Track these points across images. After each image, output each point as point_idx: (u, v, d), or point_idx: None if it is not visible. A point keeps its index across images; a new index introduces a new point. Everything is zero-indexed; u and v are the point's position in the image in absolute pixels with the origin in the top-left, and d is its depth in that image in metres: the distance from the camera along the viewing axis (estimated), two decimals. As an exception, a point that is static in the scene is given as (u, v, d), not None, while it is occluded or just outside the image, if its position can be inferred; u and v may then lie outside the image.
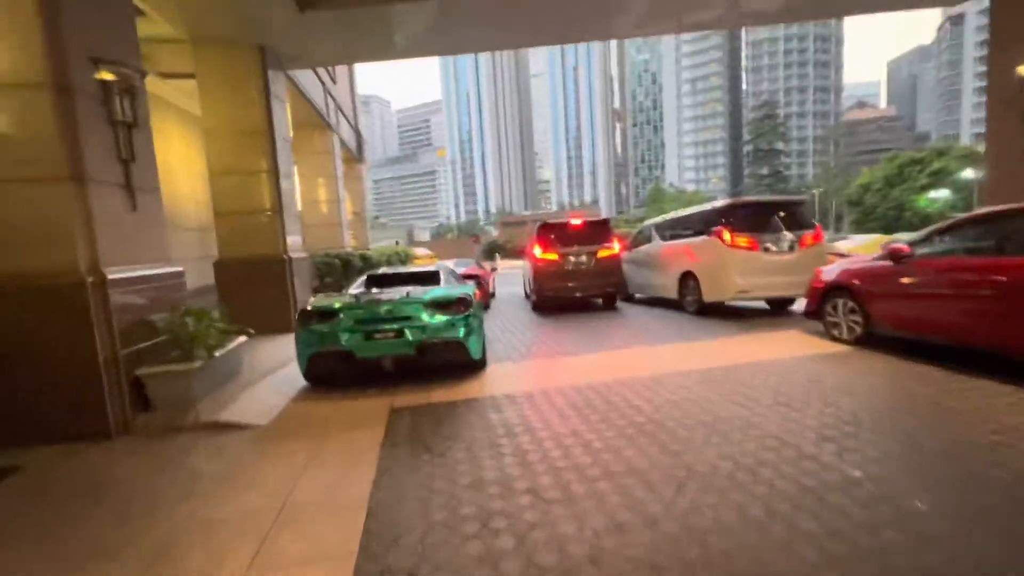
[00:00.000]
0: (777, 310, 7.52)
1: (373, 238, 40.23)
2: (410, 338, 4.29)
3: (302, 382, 4.73)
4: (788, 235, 6.79)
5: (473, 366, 4.83)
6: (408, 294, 4.61)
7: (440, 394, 4.21)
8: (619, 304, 9.64)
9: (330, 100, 12.95)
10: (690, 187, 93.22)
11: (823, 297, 5.24)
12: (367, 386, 4.53)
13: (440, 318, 4.42)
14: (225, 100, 7.06)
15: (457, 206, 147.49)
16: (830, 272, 5.25)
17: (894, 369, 4.09)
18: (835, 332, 5.10)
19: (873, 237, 10.91)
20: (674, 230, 8.39)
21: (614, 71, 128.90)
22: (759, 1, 7.65)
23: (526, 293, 11.18)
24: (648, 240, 9.16)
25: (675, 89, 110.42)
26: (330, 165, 12.67)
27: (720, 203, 7.08)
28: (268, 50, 7.33)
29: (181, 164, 9.66)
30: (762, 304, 7.76)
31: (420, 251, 25.96)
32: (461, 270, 10.24)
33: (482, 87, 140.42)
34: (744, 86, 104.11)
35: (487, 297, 10.02)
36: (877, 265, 4.62)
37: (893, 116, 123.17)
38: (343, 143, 14.70)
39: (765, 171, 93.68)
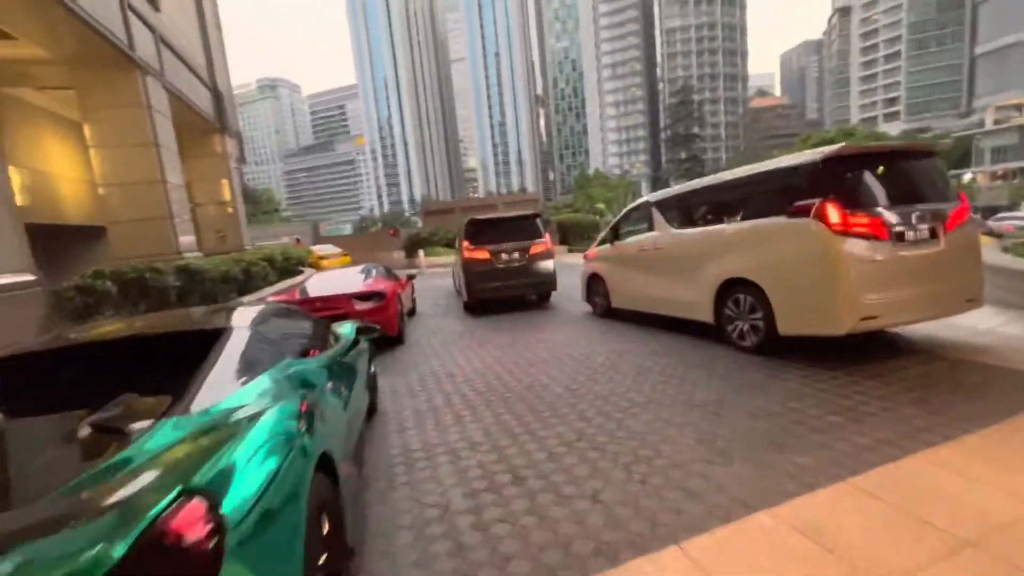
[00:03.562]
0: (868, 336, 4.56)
1: (270, 235, 34.20)
2: None
3: None
4: (927, 210, 3.80)
5: None
6: None
7: None
8: (605, 326, 6.39)
9: (143, 29, 8.43)
10: (615, 172, 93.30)
11: None
12: None
13: None
14: None
15: (380, 197, 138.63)
16: None
17: None
18: None
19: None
20: (699, 209, 5.21)
21: (535, 57, 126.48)
22: None
23: (457, 290, 10.50)
24: (646, 227, 5.93)
25: (595, 75, 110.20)
26: (144, 126, 8.18)
27: (811, 155, 3.91)
28: None
29: None
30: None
31: (323, 249, 20.95)
32: (362, 284, 6.58)
33: (400, 72, 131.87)
34: (660, 72, 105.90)
35: (394, 326, 6.31)
36: None
37: (789, 104, 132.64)
38: (179, 97, 10.11)
39: (683, 155, 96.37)
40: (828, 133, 48.80)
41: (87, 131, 8.12)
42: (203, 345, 1.99)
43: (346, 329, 3.59)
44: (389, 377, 4.92)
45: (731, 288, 4.53)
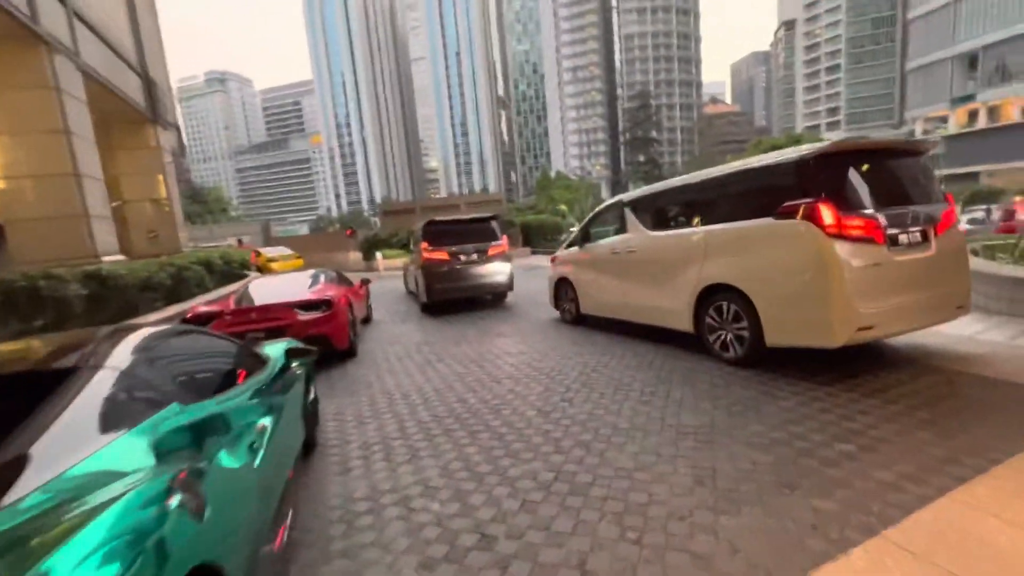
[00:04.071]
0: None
1: (216, 236, 32.15)
2: None
3: None
4: (919, 212, 3.58)
5: None
6: None
7: None
8: (576, 334, 5.97)
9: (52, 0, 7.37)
10: (576, 174, 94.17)
11: None
12: None
13: None
14: None
15: (338, 197, 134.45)
16: None
17: None
18: None
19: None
20: (675, 210, 4.87)
21: (496, 58, 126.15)
22: None
23: (411, 292, 10.80)
24: (618, 229, 5.56)
25: (556, 78, 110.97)
26: (52, 111, 7.14)
27: (801, 152, 3.60)
28: None
29: None
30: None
31: (273, 251, 19.58)
32: (308, 291, 5.95)
33: (359, 69, 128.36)
34: (619, 77, 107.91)
35: (344, 339, 5.67)
36: None
37: (740, 112, 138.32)
38: (101, 82, 9.00)
39: (642, 158, 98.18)
40: (778, 140, 50.90)
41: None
42: (40, 394, 1.39)
43: (276, 351, 2.99)
44: (336, 400, 4.31)
45: (713, 295, 4.20)
